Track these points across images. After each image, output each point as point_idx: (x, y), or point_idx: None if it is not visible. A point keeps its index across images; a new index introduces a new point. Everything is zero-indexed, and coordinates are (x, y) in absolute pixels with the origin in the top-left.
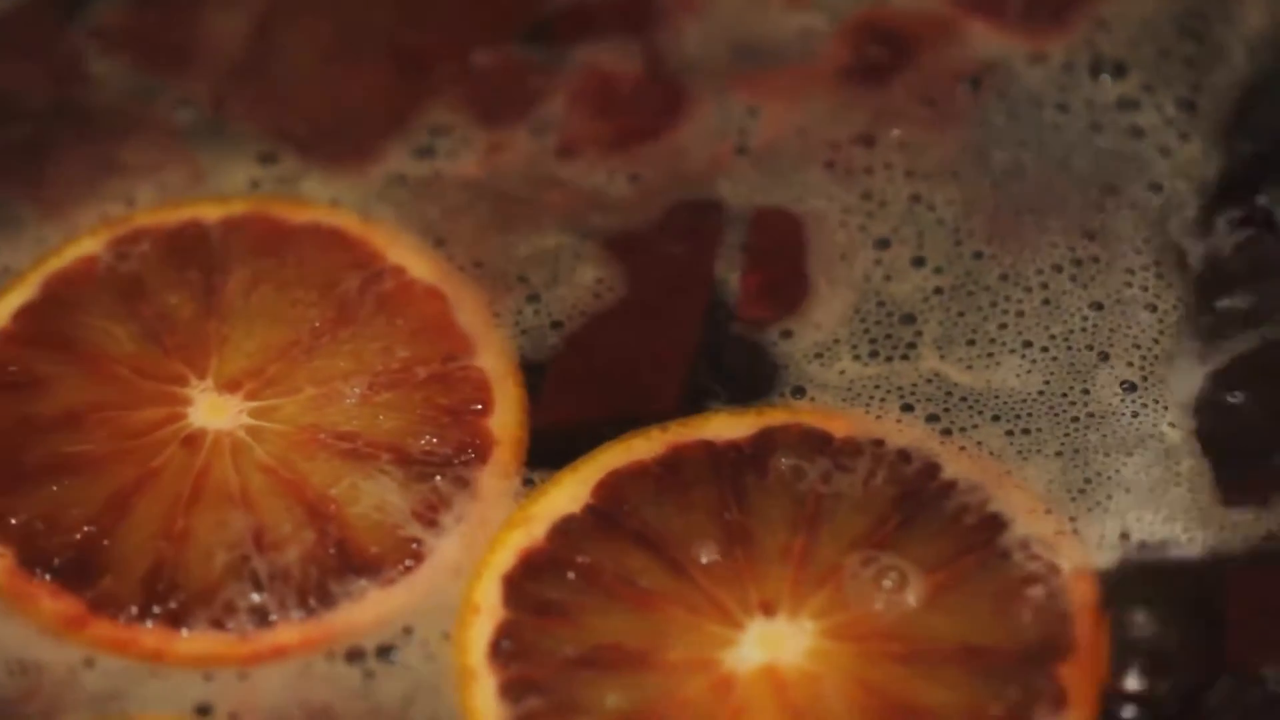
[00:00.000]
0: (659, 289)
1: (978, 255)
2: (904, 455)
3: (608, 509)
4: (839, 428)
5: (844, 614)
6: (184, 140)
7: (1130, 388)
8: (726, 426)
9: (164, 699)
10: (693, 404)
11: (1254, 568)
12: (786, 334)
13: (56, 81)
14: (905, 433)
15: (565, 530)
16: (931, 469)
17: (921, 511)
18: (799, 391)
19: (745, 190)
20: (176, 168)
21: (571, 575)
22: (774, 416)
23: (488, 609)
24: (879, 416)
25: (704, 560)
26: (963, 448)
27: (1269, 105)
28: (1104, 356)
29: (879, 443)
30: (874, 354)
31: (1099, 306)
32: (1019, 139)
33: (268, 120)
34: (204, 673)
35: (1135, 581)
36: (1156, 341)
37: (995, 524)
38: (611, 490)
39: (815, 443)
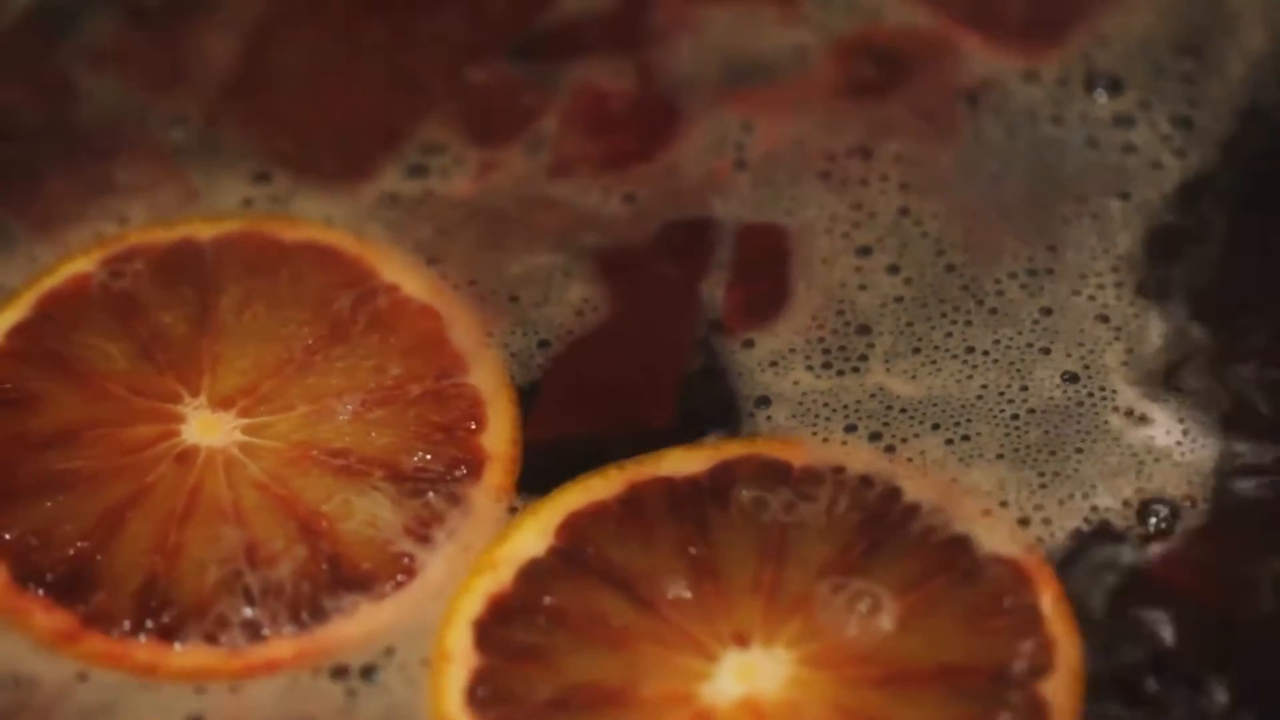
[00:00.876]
0: (651, 307)
1: (950, 267)
2: (865, 481)
3: (572, 550)
4: (797, 456)
5: (818, 641)
6: (176, 159)
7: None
8: (683, 462)
9: (156, 712)
10: (685, 420)
11: None
12: (748, 343)
13: (48, 100)
14: (862, 457)
15: (531, 573)
16: (893, 493)
17: (887, 536)
18: (763, 402)
19: (739, 205)
20: (169, 186)
21: (541, 618)
22: (730, 449)
23: (461, 655)
24: (825, 439)
25: (673, 596)
26: (910, 459)
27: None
28: (1045, 351)
29: (839, 469)
30: (826, 365)
31: (1048, 312)
32: (1012, 153)
33: (260, 139)
34: (195, 686)
35: (1105, 578)
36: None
37: (961, 544)
38: (574, 531)
39: (775, 473)
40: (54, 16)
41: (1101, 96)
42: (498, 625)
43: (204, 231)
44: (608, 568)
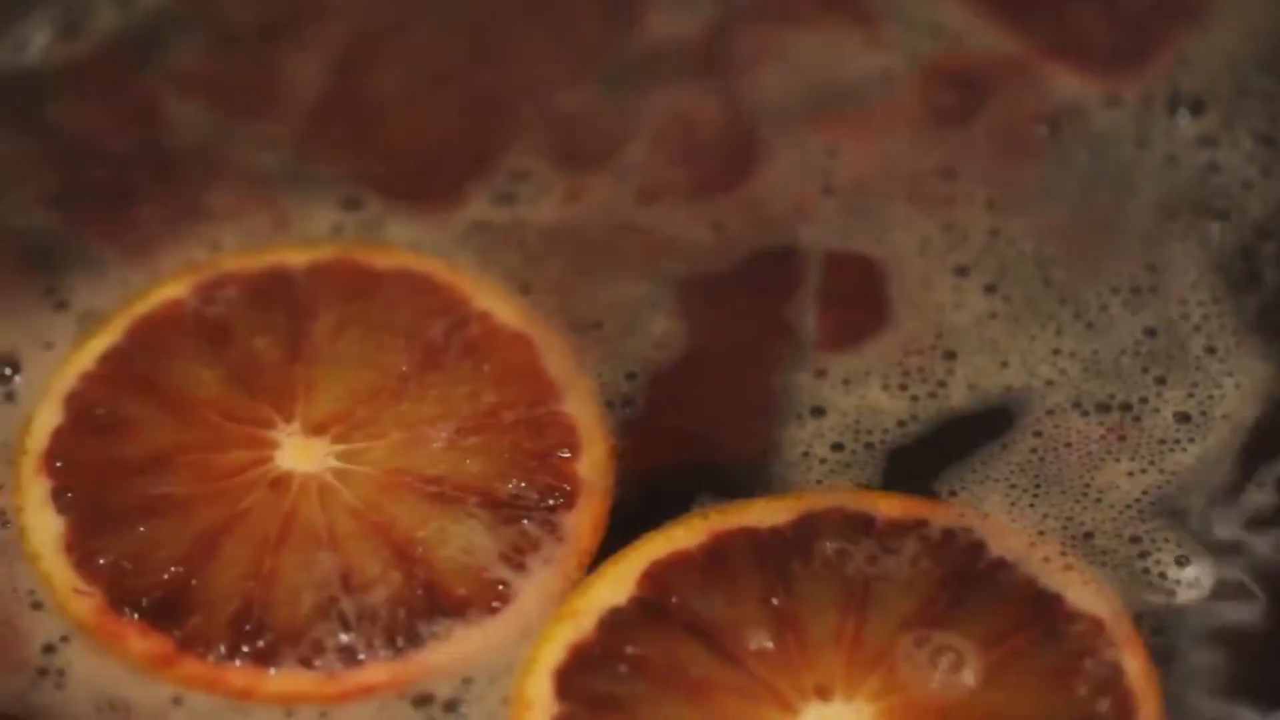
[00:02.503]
0: (739, 336)
1: (1047, 282)
2: (949, 534)
3: (654, 599)
4: (881, 508)
5: (900, 695)
6: (266, 185)
7: (1184, 419)
8: (767, 513)
9: None
10: (774, 451)
11: None
12: (838, 369)
13: (137, 125)
14: (946, 509)
15: (613, 622)
16: (977, 547)
17: (970, 590)
18: (817, 412)
19: (826, 231)
20: (259, 212)
21: (623, 667)
22: (814, 500)
23: (540, 705)
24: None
25: (755, 647)
26: (990, 512)
27: None
28: (1160, 381)
29: (923, 523)
30: (903, 387)
31: (1151, 333)
32: (1097, 174)
33: (349, 164)
34: (285, 710)
35: (1191, 639)
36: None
37: (1045, 599)
38: (656, 580)
39: (859, 526)
40: (142, 41)
41: (1184, 118)
42: (578, 674)
43: (295, 258)
44: (690, 618)
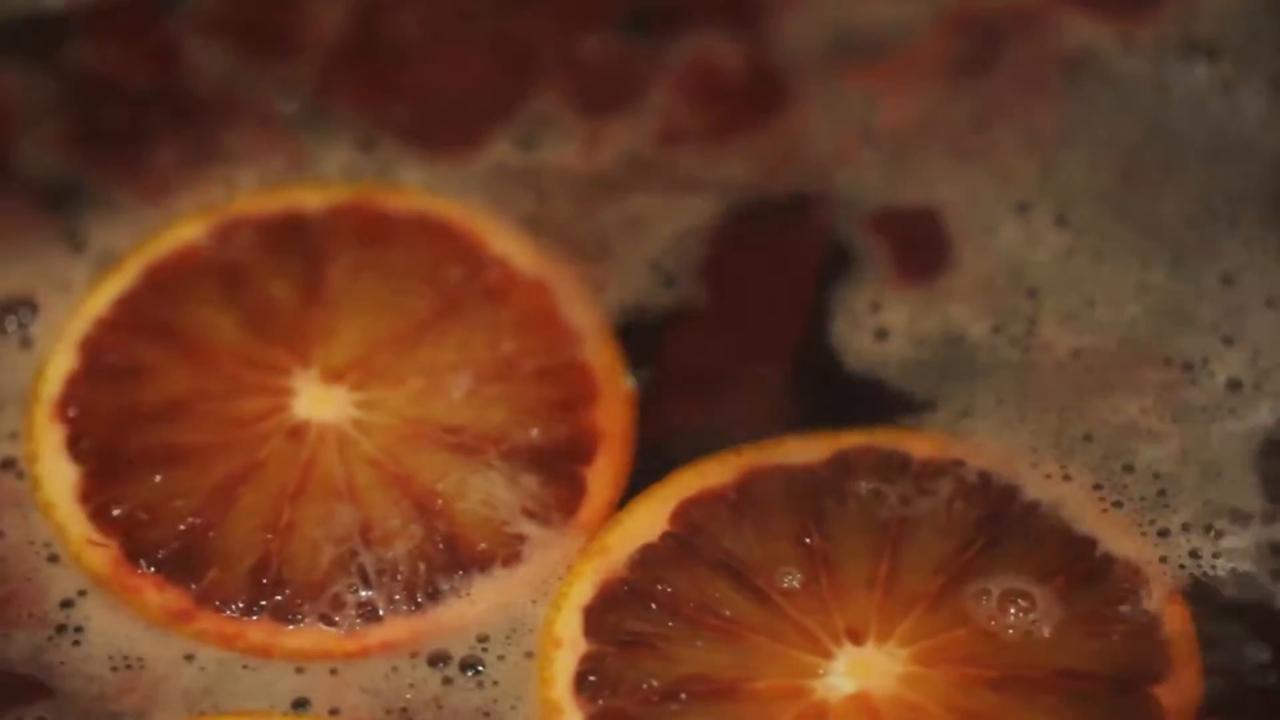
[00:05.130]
0: (761, 284)
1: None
2: (985, 477)
3: (686, 537)
4: (917, 448)
5: (934, 639)
6: (284, 127)
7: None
8: (800, 450)
9: (260, 694)
10: (797, 402)
11: None
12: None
13: (156, 67)
14: (984, 450)
15: (644, 560)
16: (1013, 490)
17: (1006, 533)
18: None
19: (864, 178)
20: (277, 154)
21: (654, 605)
22: (848, 439)
23: (570, 641)
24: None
25: (786, 587)
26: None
27: None
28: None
29: (959, 463)
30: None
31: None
32: (1122, 117)
33: (368, 107)
34: (296, 667)
35: (1226, 593)
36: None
37: (1081, 545)
38: (688, 517)
39: (894, 465)
40: None
41: (1200, 64)
42: (608, 611)
43: (311, 200)
44: (721, 556)
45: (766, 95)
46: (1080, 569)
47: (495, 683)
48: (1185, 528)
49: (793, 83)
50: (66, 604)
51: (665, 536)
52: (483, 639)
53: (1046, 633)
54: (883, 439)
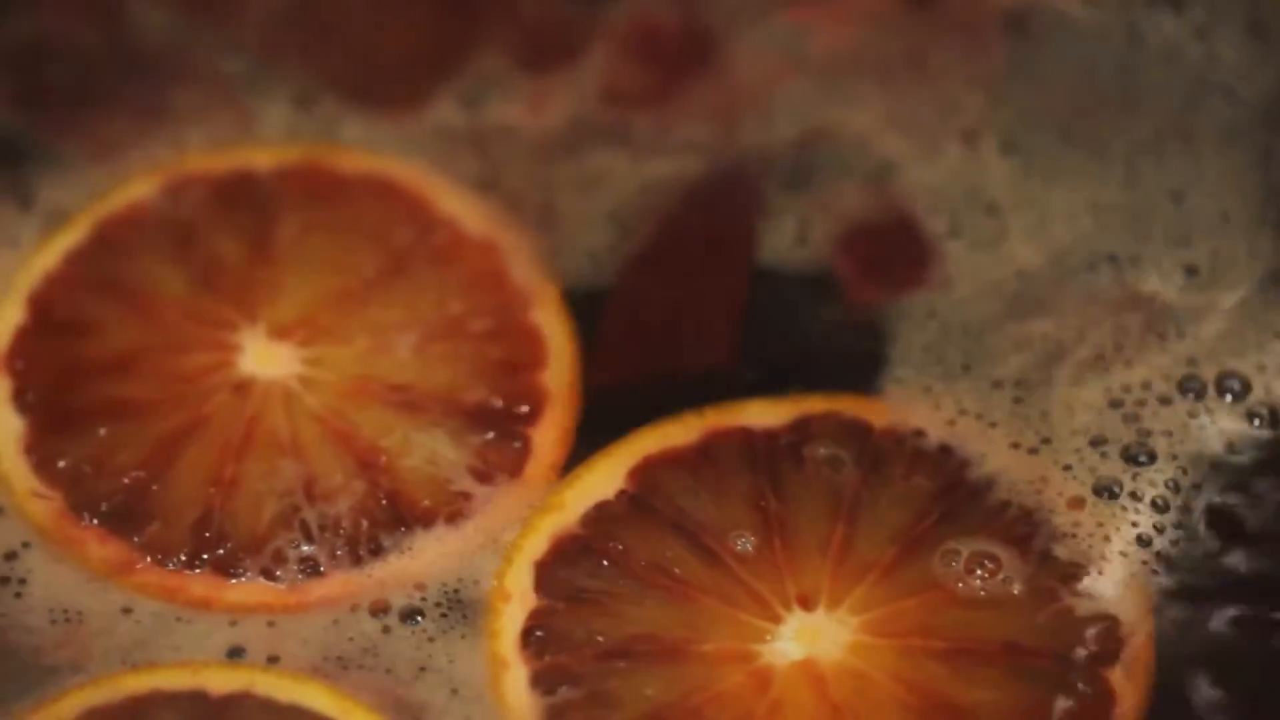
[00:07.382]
0: (705, 240)
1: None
2: (944, 448)
3: (643, 495)
4: (879, 416)
5: (884, 609)
6: (230, 86)
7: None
8: (763, 413)
9: (194, 645)
10: (744, 357)
11: None
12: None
13: (101, 25)
14: (945, 420)
15: (599, 516)
16: (971, 462)
17: (962, 506)
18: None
19: (802, 117)
20: (224, 113)
21: (605, 563)
22: (812, 405)
23: (519, 595)
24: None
25: (740, 550)
26: (1007, 437)
27: None
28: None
29: (919, 434)
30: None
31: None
32: (1082, 52)
33: (312, 66)
34: (230, 619)
35: (1181, 572)
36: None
37: (1033, 520)
38: (647, 476)
39: (854, 433)
40: None
41: (1166, 14)
42: (560, 567)
43: (261, 160)
44: (677, 516)
45: (704, 49)
46: (1035, 545)
47: (431, 639)
48: (1155, 505)
49: (728, 36)
50: (10, 556)
51: (621, 494)
52: (423, 593)
53: (1017, 590)
54: (845, 405)
